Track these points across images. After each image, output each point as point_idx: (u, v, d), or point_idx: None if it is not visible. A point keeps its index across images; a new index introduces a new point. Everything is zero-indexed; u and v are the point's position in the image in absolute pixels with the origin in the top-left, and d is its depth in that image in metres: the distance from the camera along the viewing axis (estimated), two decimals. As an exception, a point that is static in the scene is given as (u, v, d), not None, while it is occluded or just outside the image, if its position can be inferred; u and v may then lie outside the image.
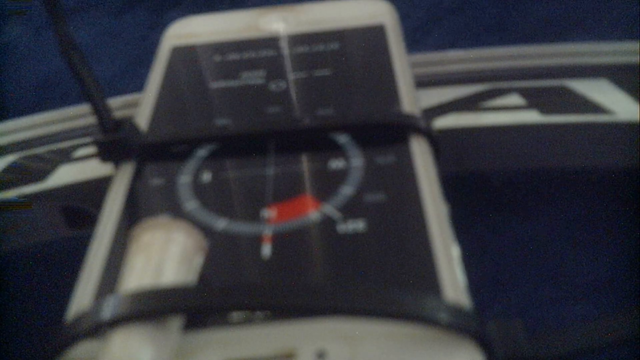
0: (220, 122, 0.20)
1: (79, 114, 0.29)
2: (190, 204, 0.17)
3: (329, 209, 0.17)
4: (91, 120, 0.27)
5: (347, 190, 0.17)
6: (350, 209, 0.16)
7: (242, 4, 0.27)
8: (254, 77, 0.22)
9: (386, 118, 0.19)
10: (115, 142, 0.19)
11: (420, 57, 0.29)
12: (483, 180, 0.24)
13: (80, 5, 0.39)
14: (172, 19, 0.26)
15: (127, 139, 0.19)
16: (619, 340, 0.13)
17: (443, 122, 0.26)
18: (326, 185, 0.17)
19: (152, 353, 0.12)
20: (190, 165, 0.19)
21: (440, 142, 0.19)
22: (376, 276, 0.15)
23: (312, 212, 0.17)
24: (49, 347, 0.13)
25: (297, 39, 0.24)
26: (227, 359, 0.13)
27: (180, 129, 0.20)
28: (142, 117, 0.21)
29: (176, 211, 0.17)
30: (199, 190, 0.18)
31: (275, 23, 0.25)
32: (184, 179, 0.18)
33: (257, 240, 0.16)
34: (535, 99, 0.27)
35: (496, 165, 0.25)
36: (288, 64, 0.23)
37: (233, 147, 0.19)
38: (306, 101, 0.21)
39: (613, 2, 0.35)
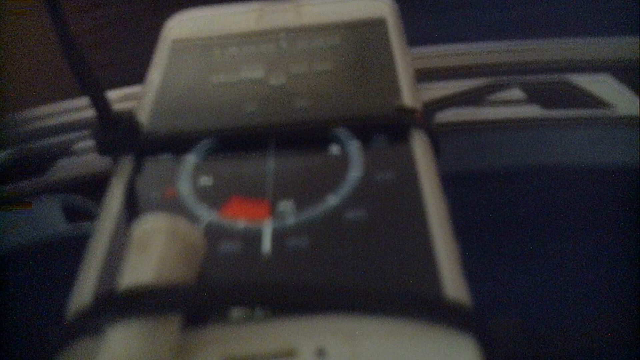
0: (220, 116, 0.20)
1: (78, 107, 0.29)
2: (190, 200, 0.17)
3: (328, 205, 0.17)
4: (91, 113, 0.27)
5: (346, 186, 0.17)
6: (349, 206, 0.16)
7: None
8: (254, 71, 0.22)
9: (387, 113, 0.19)
10: (114, 136, 0.19)
11: (422, 51, 0.29)
12: (483, 177, 0.24)
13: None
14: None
15: (126, 133, 0.19)
16: (619, 340, 0.13)
17: (444, 116, 0.26)
18: (326, 181, 0.17)
19: (151, 351, 0.12)
20: (190, 160, 0.19)
21: (440, 137, 0.19)
22: (376, 274, 0.14)
23: (312, 209, 0.16)
24: (49, 345, 0.13)
25: (298, 33, 0.24)
26: (227, 357, 0.13)
27: (180, 122, 0.20)
28: (142, 111, 0.21)
29: (176, 208, 0.17)
30: (198, 185, 0.18)
31: (276, 17, 0.25)
32: (184, 174, 0.18)
33: (257, 237, 0.16)
34: (537, 94, 0.27)
35: (497, 160, 0.25)
36: (288, 59, 0.23)
37: (233, 141, 0.19)
38: (306, 96, 0.21)
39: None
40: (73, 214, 0.24)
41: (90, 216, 0.23)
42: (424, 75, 0.27)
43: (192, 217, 0.17)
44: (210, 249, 0.15)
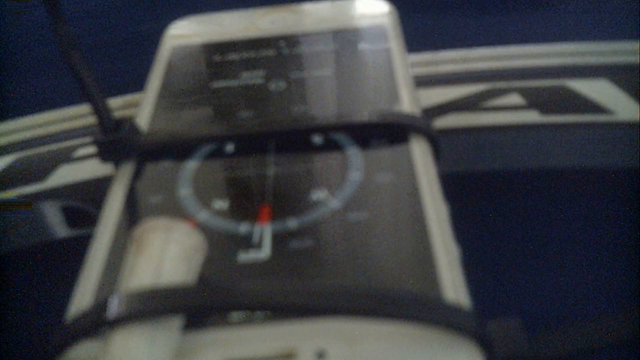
0: (220, 122, 0.20)
1: (79, 114, 0.29)
2: (190, 204, 0.17)
3: (328, 209, 0.17)
4: (91, 120, 0.28)
5: (346, 190, 0.17)
6: (349, 210, 0.16)
7: (242, 3, 0.27)
8: (254, 77, 0.22)
9: (386, 118, 0.19)
10: (115, 142, 0.19)
11: (421, 57, 0.29)
12: (483, 180, 0.24)
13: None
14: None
15: (127, 139, 0.19)
16: (619, 340, 0.13)
17: (443, 122, 0.26)
18: (326, 185, 0.17)
19: (152, 353, 0.12)
20: (190, 165, 0.19)
21: (440, 142, 0.19)
22: (376, 276, 0.15)
23: (311, 212, 0.17)
24: (49, 347, 0.13)
25: (297, 39, 0.24)
26: (227, 359, 0.13)
27: (180, 128, 0.20)
28: (142, 117, 0.21)
29: (176, 211, 0.17)
30: (199, 190, 0.18)
31: (275, 23, 0.25)
32: (184, 179, 0.18)
33: (257, 239, 0.16)
34: (535, 99, 0.27)
35: (496, 165, 0.25)
36: (288, 64, 0.23)
37: (232, 146, 0.19)
38: (306, 101, 0.21)
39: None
40: (74, 220, 0.24)
41: (92, 222, 0.23)
42: (423, 81, 0.27)
43: (193, 221, 0.17)
44: (210, 252, 0.15)
